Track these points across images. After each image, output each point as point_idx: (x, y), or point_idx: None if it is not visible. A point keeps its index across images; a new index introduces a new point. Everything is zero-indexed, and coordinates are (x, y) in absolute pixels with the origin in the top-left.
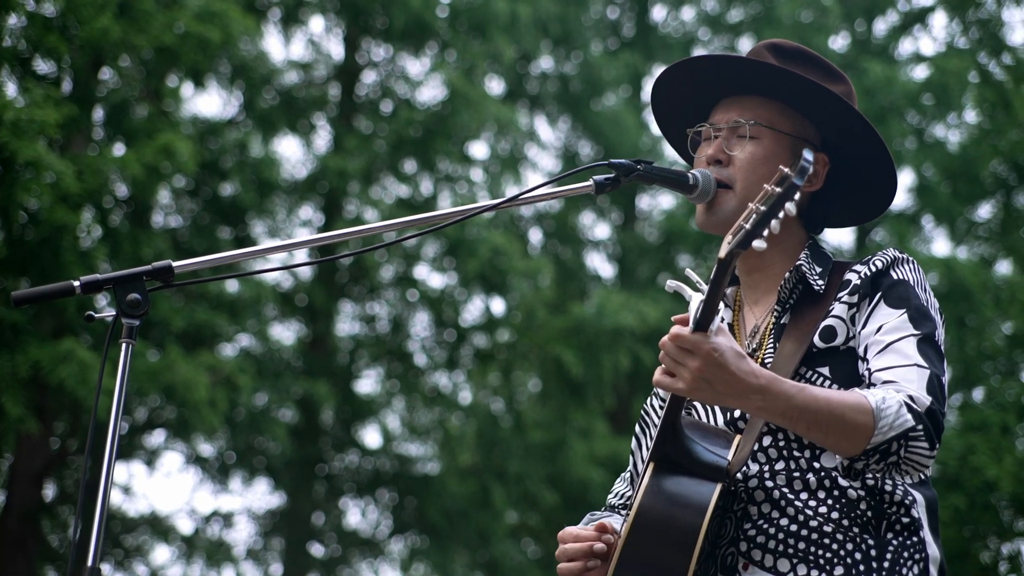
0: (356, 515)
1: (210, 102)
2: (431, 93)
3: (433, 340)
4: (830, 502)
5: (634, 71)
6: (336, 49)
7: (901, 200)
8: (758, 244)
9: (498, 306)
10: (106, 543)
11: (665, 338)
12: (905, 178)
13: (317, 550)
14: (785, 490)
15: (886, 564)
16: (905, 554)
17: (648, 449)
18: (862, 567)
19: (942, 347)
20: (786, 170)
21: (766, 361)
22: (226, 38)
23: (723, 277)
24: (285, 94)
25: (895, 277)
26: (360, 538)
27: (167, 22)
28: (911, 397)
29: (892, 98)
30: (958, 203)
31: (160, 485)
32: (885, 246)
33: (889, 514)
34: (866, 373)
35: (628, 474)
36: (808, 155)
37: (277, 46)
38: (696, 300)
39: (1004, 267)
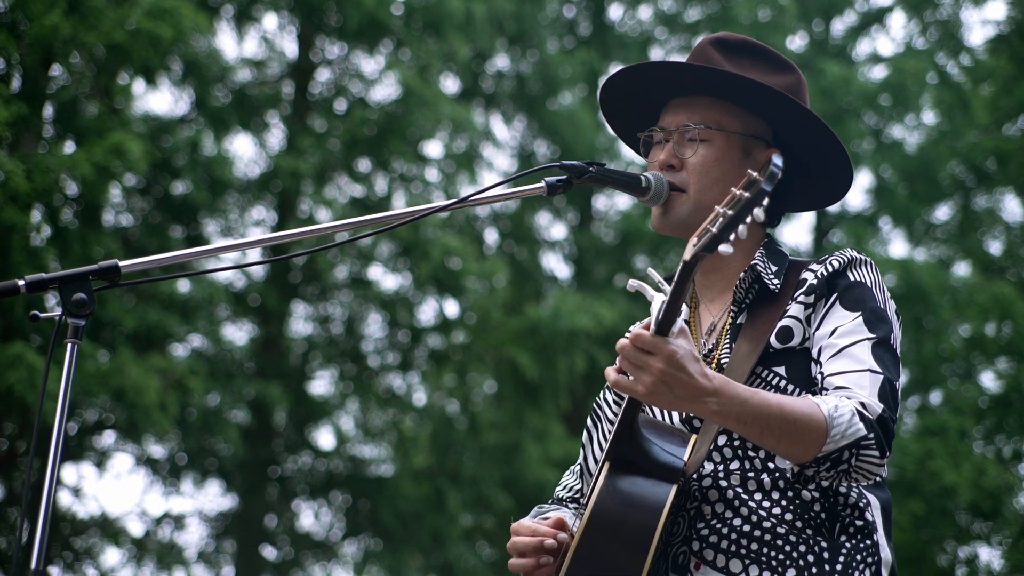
0: (309, 517)
1: (162, 100)
2: (385, 91)
3: (387, 341)
4: (784, 503)
5: (590, 70)
6: (290, 47)
7: (859, 201)
8: (724, 248)
9: (452, 308)
10: (55, 545)
11: (624, 340)
12: (863, 179)
13: (270, 553)
14: (739, 490)
15: (839, 567)
16: (858, 557)
17: (600, 443)
18: (815, 569)
19: (898, 350)
20: (755, 174)
21: (722, 361)
22: (178, 35)
23: (687, 280)
24: (238, 92)
25: (852, 279)
26: (313, 540)
27: (118, 19)
28: (863, 404)
29: (850, 99)
30: (916, 204)
31: (110, 487)
32: (843, 247)
33: (843, 516)
34: (819, 376)
35: (578, 467)
36: (778, 160)
37: (230, 43)
38: (658, 301)
39: (962, 269)
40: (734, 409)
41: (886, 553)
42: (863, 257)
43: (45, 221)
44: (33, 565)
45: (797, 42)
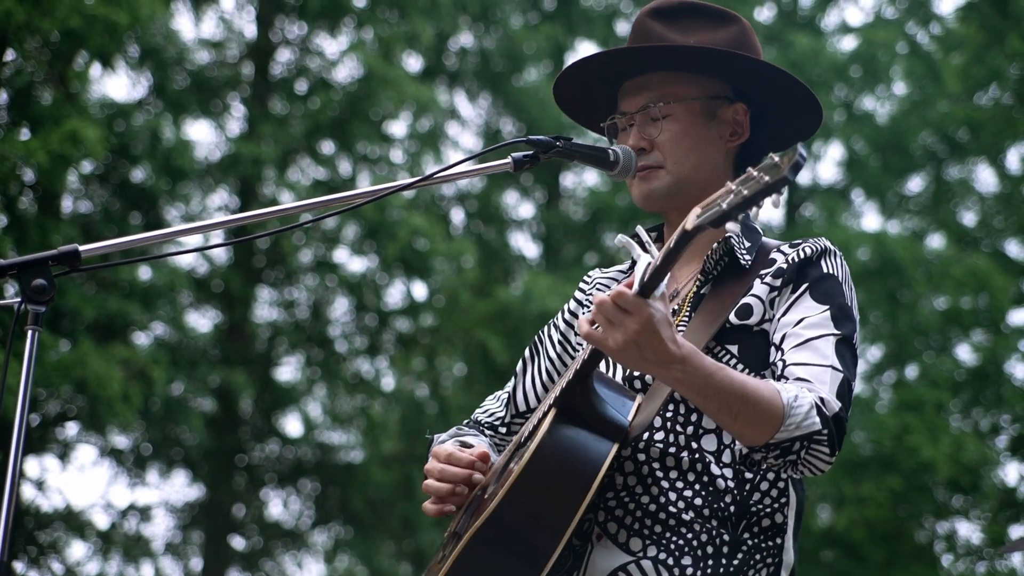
0: (278, 506)
1: (119, 84)
2: (347, 72)
3: (354, 325)
4: (697, 487)
5: (556, 45)
6: (248, 27)
7: (830, 174)
8: (731, 227)
9: (420, 290)
10: (19, 539)
11: (604, 295)
12: (834, 152)
13: (238, 543)
14: (655, 466)
15: (735, 562)
16: (757, 556)
17: (533, 377)
18: (711, 561)
19: (857, 350)
20: (776, 159)
21: (679, 329)
22: (134, 21)
23: (682, 248)
24: (196, 75)
25: (824, 270)
26: (282, 530)
27: (73, 4)
28: (822, 400)
29: (819, 71)
30: (888, 176)
31: (74, 479)
32: (815, 221)
33: (753, 512)
34: (779, 364)
35: (505, 395)
36: (803, 151)
37: (187, 25)
38: (644, 261)
39: (936, 241)
40: (697, 380)
41: (789, 556)
42: (835, 249)
43: (1, 210)
44: None
45: (765, 13)
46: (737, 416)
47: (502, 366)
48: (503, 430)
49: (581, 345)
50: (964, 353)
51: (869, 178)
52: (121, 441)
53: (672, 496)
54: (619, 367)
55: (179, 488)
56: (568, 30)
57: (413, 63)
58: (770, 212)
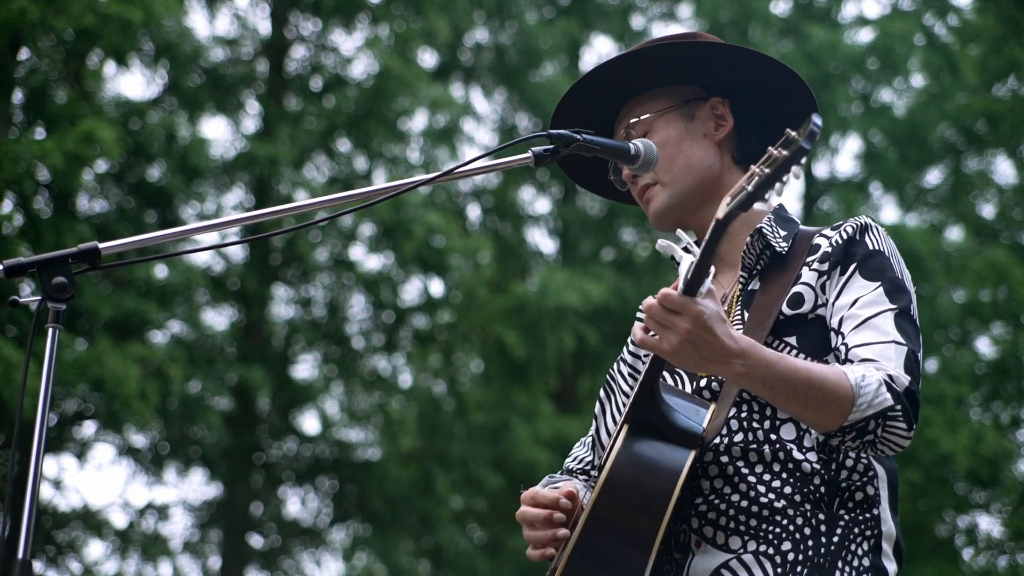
0: (296, 504)
1: (133, 82)
2: (363, 68)
3: (371, 322)
4: (784, 475)
5: (571, 40)
6: (263, 24)
7: (848, 167)
8: (759, 207)
9: (437, 287)
10: (37, 539)
11: (651, 299)
12: (852, 145)
13: (256, 541)
14: (740, 464)
15: (835, 539)
16: (856, 529)
17: (613, 415)
18: (811, 542)
19: (917, 320)
20: (793, 133)
21: (735, 329)
22: (148, 18)
23: (718, 239)
24: (211, 72)
25: (870, 247)
26: (300, 528)
27: (87, 2)
28: (891, 376)
29: (836, 63)
30: (906, 169)
31: (92, 478)
32: (833, 215)
33: (843, 488)
34: (842, 348)
35: (590, 439)
36: (817, 120)
37: (202, 22)
38: (687, 261)
39: (954, 233)
40: (760, 372)
41: (888, 526)
42: (877, 224)
43: (16, 210)
44: (20, 555)
45: (781, 6)
46: (807, 403)
47: (519, 361)
48: (595, 473)
49: (643, 358)
50: (984, 346)
51: (887, 171)
52: (138, 440)
53: (761, 488)
54: (686, 380)
55: (197, 487)
56: (584, 25)
57: (428, 59)
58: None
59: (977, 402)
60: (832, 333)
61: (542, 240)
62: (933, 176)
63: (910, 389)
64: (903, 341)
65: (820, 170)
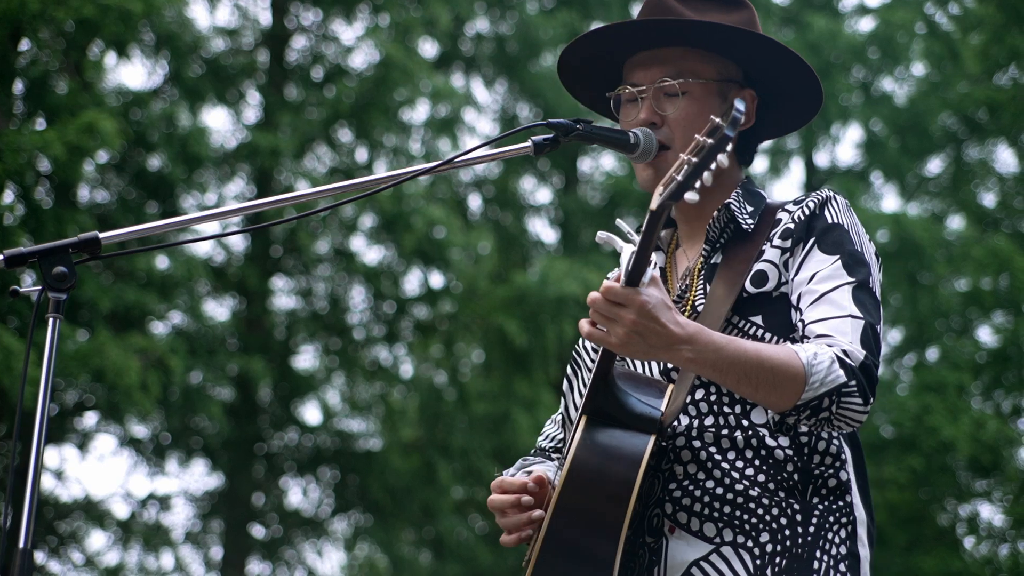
0: (297, 494)
1: (134, 72)
2: (364, 58)
3: (372, 313)
4: (757, 463)
5: (572, 30)
6: (263, 14)
7: (849, 156)
8: (690, 196)
9: (437, 279)
10: (39, 530)
11: (595, 293)
12: (853, 134)
13: (258, 531)
14: (712, 449)
15: (811, 529)
16: (831, 518)
17: (580, 391)
18: (787, 532)
19: (878, 293)
20: (718, 120)
21: (697, 303)
22: (148, 9)
23: (654, 229)
24: (212, 62)
25: (829, 221)
26: (302, 518)
27: None
28: (845, 352)
29: (837, 52)
30: (907, 158)
31: (93, 469)
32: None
33: (816, 475)
34: (799, 324)
35: (560, 416)
36: (740, 105)
37: (202, 13)
38: (627, 251)
39: (956, 222)
40: (709, 356)
41: (860, 512)
42: (839, 197)
43: (18, 200)
44: (22, 545)
45: None
46: (759, 385)
47: (520, 351)
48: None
49: (595, 349)
50: (985, 335)
51: (888, 160)
52: (140, 430)
53: (735, 475)
54: (653, 364)
55: (198, 477)
56: (584, 15)
57: (429, 49)
58: (788, 194)
59: (978, 390)
60: (792, 310)
61: (543, 230)
62: (934, 165)
63: (865, 363)
64: (860, 314)
65: (821, 159)
